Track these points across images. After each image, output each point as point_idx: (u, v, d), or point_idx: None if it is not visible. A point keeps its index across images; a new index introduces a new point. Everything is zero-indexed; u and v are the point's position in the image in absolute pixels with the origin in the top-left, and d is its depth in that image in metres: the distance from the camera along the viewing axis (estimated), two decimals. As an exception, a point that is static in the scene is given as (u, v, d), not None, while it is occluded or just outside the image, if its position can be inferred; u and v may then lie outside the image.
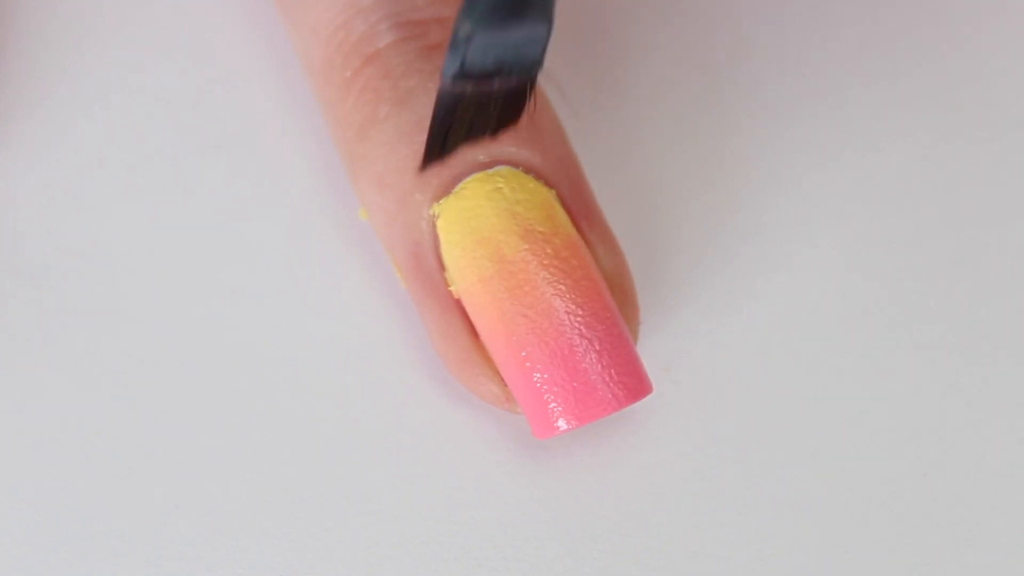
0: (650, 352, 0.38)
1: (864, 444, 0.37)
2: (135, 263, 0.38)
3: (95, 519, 0.35)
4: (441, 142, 0.34)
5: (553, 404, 0.35)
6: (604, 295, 0.35)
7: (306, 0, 0.38)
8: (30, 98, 0.40)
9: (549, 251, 0.35)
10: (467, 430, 0.37)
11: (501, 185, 0.35)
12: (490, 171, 0.36)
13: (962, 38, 0.42)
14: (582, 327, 0.35)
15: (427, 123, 0.36)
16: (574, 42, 0.42)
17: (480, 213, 0.35)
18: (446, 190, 0.36)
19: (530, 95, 0.34)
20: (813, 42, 0.42)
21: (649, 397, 0.36)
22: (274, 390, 0.37)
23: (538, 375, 0.35)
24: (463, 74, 0.33)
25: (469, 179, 0.35)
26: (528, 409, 0.35)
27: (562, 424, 0.35)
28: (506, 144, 0.36)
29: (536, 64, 0.33)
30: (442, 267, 0.36)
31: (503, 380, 0.35)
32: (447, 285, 0.36)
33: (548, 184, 0.36)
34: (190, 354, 0.37)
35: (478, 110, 0.34)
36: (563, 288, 0.35)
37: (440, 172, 0.36)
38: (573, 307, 0.35)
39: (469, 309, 0.35)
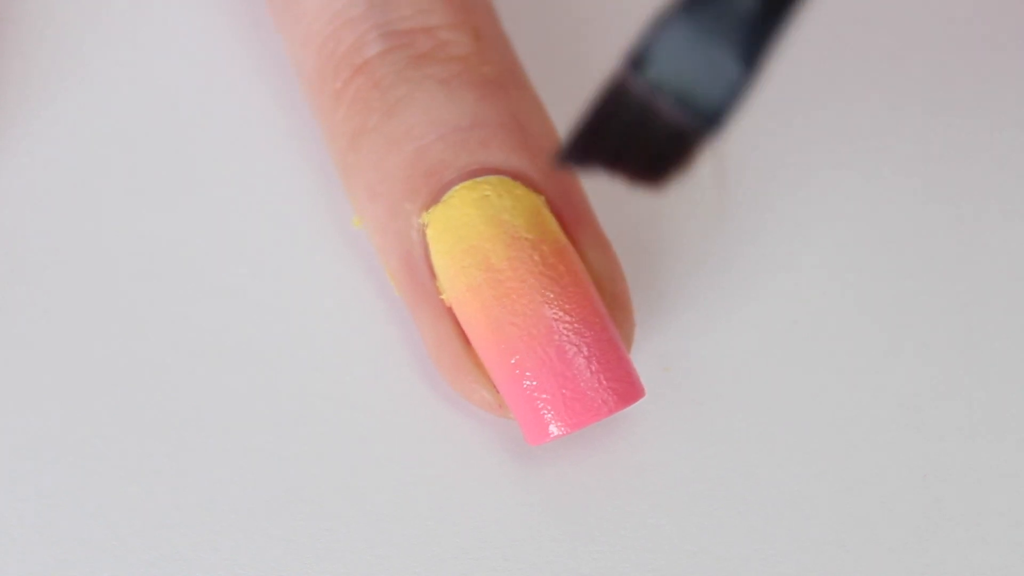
0: (647, 353, 0.37)
1: (864, 445, 0.37)
2: (134, 265, 0.39)
3: (95, 519, 0.36)
4: (586, 141, 0.30)
5: (544, 410, 0.35)
6: (593, 300, 0.35)
7: (296, 10, 0.38)
8: (30, 98, 0.41)
9: (536, 258, 0.35)
10: (464, 434, 0.37)
11: (488, 192, 0.35)
12: (478, 179, 0.36)
13: (962, 38, 0.41)
14: (571, 333, 0.35)
15: (416, 131, 0.36)
16: (574, 42, 0.41)
17: (468, 221, 0.35)
18: (435, 199, 0.36)
19: (688, 154, 0.30)
20: (813, 42, 0.41)
21: (647, 398, 0.36)
22: (271, 393, 0.37)
23: (528, 382, 0.35)
24: (640, 62, 0.29)
25: (457, 187, 0.36)
26: (520, 415, 0.35)
27: (553, 430, 0.35)
28: (494, 151, 0.36)
29: (719, 112, 0.29)
30: (433, 275, 0.36)
31: (495, 387, 0.35)
32: (439, 293, 0.36)
33: (537, 190, 0.36)
34: (188, 357, 0.38)
35: (630, 130, 0.30)
36: (551, 295, 0.35)
37: (428, 181, 0.36)
38: (561, 313, 0.35)
39: (460, 317, 0.36)
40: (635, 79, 0.29)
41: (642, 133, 0.30)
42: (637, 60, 0.29)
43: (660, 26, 0.29)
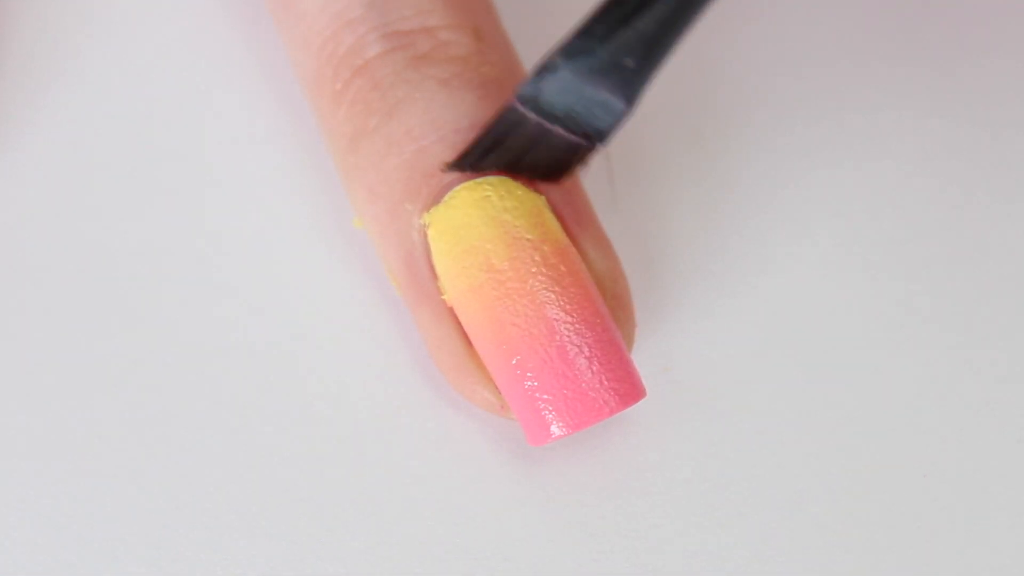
0: (648, 353, 0.38)
1: (863, 444, 0.37)
2: (134, 265, 0.39)
3: (95, 519, 0.36)
4: (482, 153, 0.35)
5: (545, 411, 0.35)
6: (595, 300, 0.35)
7: (297, 12, 0.38)
8: (30, 98, 0.41)
9: (538, 258, 0.35)
10: (465, 434, 0.37)
11: (489, 193, 0.35)
12: (479, 179, 0.36)
13: (963, 37, 0.41)
14: (572, 333, 0.35)
15: (416, 132, 0.36)
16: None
17: (469, 222, 0.35)
18: (436, 199, 0.36)
19: (580, 162, 0.35)
20: (813, 41, 0.41)
21: (648, 397, 0.36)
22: (271, 393, 0.37)
23: (529, 382, 0.35)
24: (534, 101, 0.34)
25: (458, 188, 0.35)
26: (521, 416, 0.35)
27: (555, 430, 0.35)
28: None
29: (602, 135, 0.35)
30: (435, 276, 0.36)
31: (497, 387, 0.35)
32: (440, 293, 0.36)
33: (538, 190, 0.36)
34: (188, 357, 0.38)
35: (530, 144, 0.35)
36: (552, 295, 0.35)
37: (429, 182, 0.36)
38: (562, 314, 0.35)
39: (461, 317, 0.36)
40: (529, 111, 0.34)
41: (536, 150, 0.35)
42: (529, 99, 0.34)
43: (547, 69, 0.34)
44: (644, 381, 0.35)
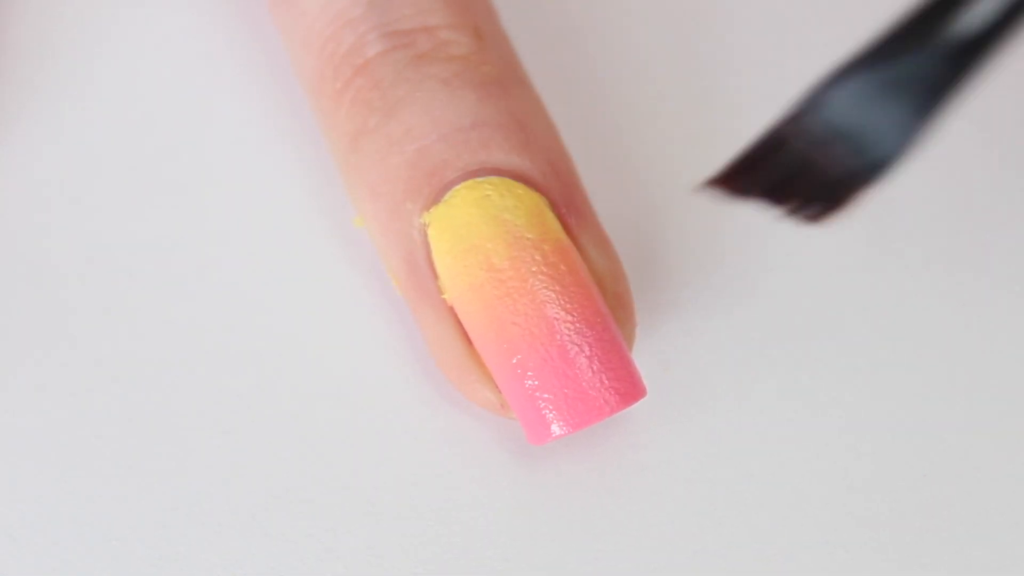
0: (648, 352, 0.38)
1: (863, 444, 0.37)
2: (135, 265, 0.39)
3: (94, 519, 0.36)
4: (743, 175, 0.32)
5: (546, 410, 0.35)
6: (595, 299, 0.35)
7: (297, 11, 0.38)
8: (30, 98, 0.41)
9: (538, 257, 0.35)
10: (465, 433, 0.37)
11: (490, 192, 0.35)
12: (479, 179, 0.35)
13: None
14: (572, 333, 0.35)
15: (416, 131, 0.36)
16: (574, 42, 0.41)
17: (469, 221, 0.35)
18: (436, 199, 0.36)
19: (853, 196, 0.31)
20: (813, 41, 0.41)
21: (648, 397, 0.36)
22: (271, 393, 0.37)
23: (530, 381, 0.35)
24: (812, 112, 0.30)
25: (458, 187, 0.36)
26: (521, 415, 0.35)
27: (555, 430, 0.35)
28: (495, 151, 0.36)
29: (890, 162, 0.30)
30: (435, 275, 0.36)
31: (497, 386, 0.35)
32: (440, 293, 0.36)
33: (538, 189, 0.36)
34: (188, 356, 0.38)
35: (797, 170, 0.31)
36: (552, 294, 0.35)
37: (430, 181, 0.36)
38: (563, 313, 0.35)
39: (461, 316, 0.36)
40: (807, 121, 0.30)
41: (803, 177, 0.31)
42: (812, 104, 0.30)
43: (840, 75, 0.30)
44: (644, 380, 0.35)
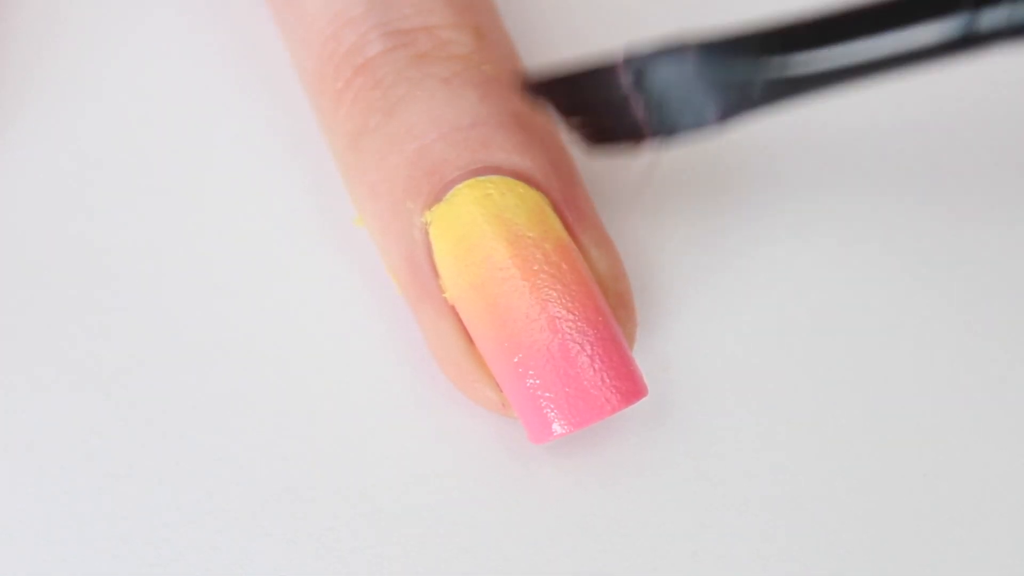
0: (648, 352, 0.38)
1: (864, 444, 0.37)
2: (135, 264, 0.39)
3: (94, 519, 0.36)
4: (555, 86, 0.34)
5: (547, 409, 0.35)
6: (596, 298, 0.35)
7: (297, 11, 0.38)
8: (30, 98, 0.41)
9: (539, 256, 0.35)
10: (466, 433, 0.37)
11: (491, 191, 0.35)
12: (480, 177, 0.36)
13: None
14: (573, 332, 0.35)
15: (417, 131, 0.36)
16: (574, 41, 0.41)
17: (470, 220, 0.35)
18: (437, 198, 0.36)
19: (631, 146, 0.34)
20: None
21: (648, 397, 0.36)
22: (272, 393, 0.37)
23: (531, 380, 0.35)
24: (639, 70, 0.33)
25: (460, 186, 0.36)
26: (522, 414, 0.35)
27: (557, 428, 0.35)
28: (496, 150, 0.36)
29: (671, 135, 0.34)
30: (436, 274, 0.36)
31: (499, 385, 0.35)
32: (441, 292, 0.36)
33: (539, 188, 0.36)
34: (188, 356, 0.38)
35: (602, 103, 0.34)
36: (553, 293, 0.35)
37: (430, 180, 0.36)
38: (564, 312, 0.35)
39: (463, 315, 0.36)
40: (625, 74, 0.33)
41: (608, 110, 0.34)
42: (636, 65, 0.33)
43: (675, 50, 0.32)
44: (645, 380, 0.36)
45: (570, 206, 0.36)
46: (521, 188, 0.36)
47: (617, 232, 0.38)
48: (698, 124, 0.33)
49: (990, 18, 0.30)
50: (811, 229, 0.39)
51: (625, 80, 0.33)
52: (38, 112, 0.41)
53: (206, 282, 0.38)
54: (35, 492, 0.36)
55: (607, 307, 0.35)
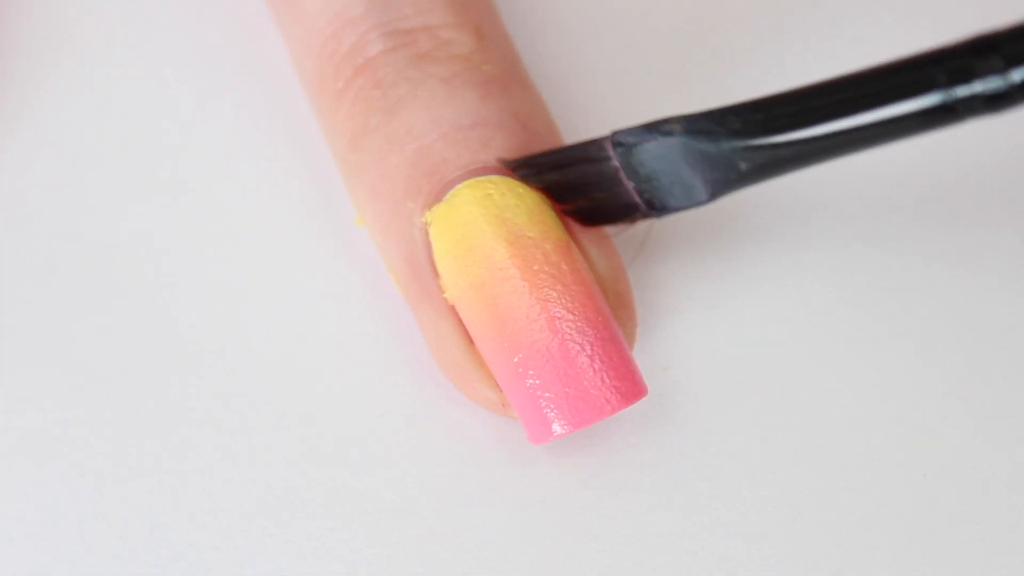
0: (648, 352, 0.37)
1: (863, 444, 0.37)
2: (134, 265, 0.39)
3: (94, 520, 0.36)
4: (544, 168, 0.35)
5: (547, 409, 0.35)
6: (596, 298, 0.35)
7: (298, 11, 0.38)
8: (30, 98, 0.41)
9: (539, 256, 0.35)
10: (466, 433, 0.37)
11: (491, 191, 0.35)
12: (480, 177, 0.35)
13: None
14: (573, 332, 0.35)
15: (417, 130, 0.36)
16: (574, 41, 0.41)
17: (470, 220, 0.35)
18: (437, 197, 0.36)
19: (627, 222, 0.36)
20: (813, 41, 0.41)
21: (648, 397, 0.36)
22: (271, 393, 0.37)
23: (531, 380, 0.35)
24: (628, 149, 0.34)
25: (460, 186, 0.36)
26: (522, 414, 0.35)
27: (557, 428, 0.35)
28: (496, 150, 0.36)
29: (664, 211, 0.35)
30: (436, 274, 0.36)
31: (498, 386, 0.35)
32: (442, 292, 0.36)
33: (539, 189, 0.36)
34: (188, 356, 0.38)
35: (594, 182, 0.35)
36: (554, 293, 0.35)
37: (430, 180, 0.36)
38: (564, 312, 0.35)
39: (463, 315, 0.36)
40: (615, 156, 0.34)
41: (601, 189, 0.35)
42: (624, 145, 0.34)
43: (660, 129, 0.34)
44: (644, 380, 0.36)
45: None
46: (521, 188, 0.36)
47: (616, 232, 0.37)
48: (688, 201, 0.34)
49: (964, 91, 0.31)
50: (811, 229, 0.39)
51: (615, 157, 0.34)
52: (38, 112, 0.41)
53: (206, 282, 0.38)
54: (35, 492, 0.36)
55: (607, 307, 0.35)
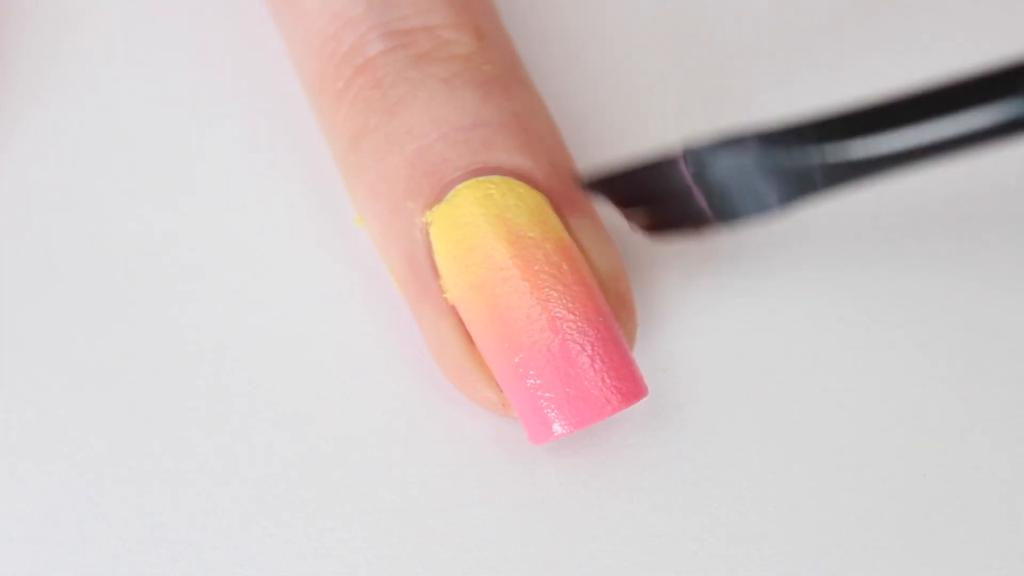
0: (648, 352, 0.37)
1: (863, 444, 0.37)
2: (134, 265, 0.39)
3: (94, 520, 0.36)
4: (617, 181, 0.35)
5: (547, 409, 0.35)
6: (597, 299, 0.35)
7: (298, 11, 0.38)
8: (30, 98, 0.41)
9: (540, 256, 0.35)
10: (466, 433, 0.37)
11: (491, 191, 0.35)
12: (481, 178, 0.35)
13: (967, 28, 0.41)
14: (574, 331, 0.35)
15: (417, 131, 0.36)
16: (575, 41, 0.41)
17: (471, 220, 0.35)
18: (438, 198, 0.36)
19: (695, 233, 0.35)
20: (814, 45, 0.41)
21: (648, 397, 0.36)
22: (271, 393, 0.37)
23: (532, 380, 0.35)
24: (700, 163, 0.34)
25: (460, 186, 0.36)
26: (523, 415, 0.35)
27: (557, 429, 0.35)
28: (497, 150, 0.36)
29: (734, 221, 0.34)
30: (437, 274, 0.36)
31: (499, 386, 0.35)
32: (442, 292, 0.36)
33: (540, 188, 0.36)
34: (188, 356, 0.38)
35: (664, 194, 0.35)
36: (554, 293, 0.35)
37: (431, 180, 0.36)
38: (565, 312, 0.35)
39: (463, 315, 0.36)
40: (688, 169, 0.34)
41: (670, 200, 0.35)
42: (696, 160, 0.34)
43: (735, 142, 0.33)
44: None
45: (571, 206, 0.36)
46: (522, 188, 0.36)
47: (616, 231, 0.37)
48: (761, 211, 0.34)
49: None
50: (811, 229, 0.39)
51: (687, 171, 0.34)
52: (38, 113, 0.41)
53: (206, 282, 0.38)
54: (35, 492, 0.36)
55: (607, 307, 0.35)
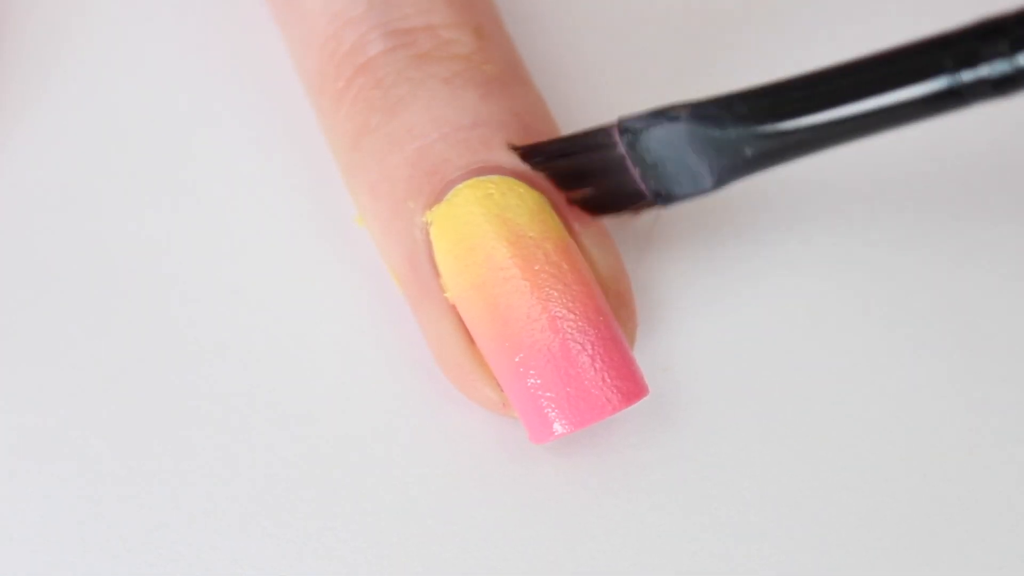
0: (648, 352, 0.37)
1: (863, 444, 0.37)
2: (134, 265, 0.39)
3: (94, 520, 0.36)
4: (551, 156, 0.36)
5: (548, 409, 0.35)
6: (597, 298, 0.35)
7: (299, 11, 0.38)
8: (30, 98, 0.41)
9: (540, 256, 0.35)
10: (466, 433, 0.37)
11: (492, 191, 0.35)
12: (481, 177, 0.35)
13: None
14: (575, 331, 0.35)
15: (417, 130, 0.36)
16: (575, 41, 0.41)
17: (471, 220, 0.35)
18: (438, 197, 0.36)
19: (632, 211, 0.36)
20: (812, 42, 0.41)
21: (648, 397, 0.36)
22: (272, 393, 0.37)
23: (532, 380, 0.35)
24: (633, 136, 0.34)
25: (460, 186, 0.36)
26: (523, 414, 0.35)
27: (558, 428, 0.35)
28: (497, 150, 0.36)
29: (670, 199, 0.35)
30: (437, 273, 0.36)
31: (499, 385, 0.35)
32: (442, 291, 0.36)
33: (540, 188, 0.36)
34: (189, 356, 0.38)
35: (600, 170, 0.35)
36: (555, 293, 0.35)
37: (431, 179, 0.36)
38: (565, 311, 0.35)
39: (464, 315, 0.36)
40: (622, 142, 0.34)
41: (606, 177, 0.35)
42: (630, 132, 0.34)
43: (666, 115, 0.34)
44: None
45: (571, 205, 0.36)
46: (522, 188, 0.36)
47: (616, 231, 0.37)
48: (694, 187, 0.34)
49: (970, 75, 0.31)
50: (811, 229, 0.39)
51: (620, 142, 0.34)
52: (38, 113, 0.41)
53: (206, 282, 0.38)
54: (35, 492, 0.36)
55: (608, 307, 0.35)
